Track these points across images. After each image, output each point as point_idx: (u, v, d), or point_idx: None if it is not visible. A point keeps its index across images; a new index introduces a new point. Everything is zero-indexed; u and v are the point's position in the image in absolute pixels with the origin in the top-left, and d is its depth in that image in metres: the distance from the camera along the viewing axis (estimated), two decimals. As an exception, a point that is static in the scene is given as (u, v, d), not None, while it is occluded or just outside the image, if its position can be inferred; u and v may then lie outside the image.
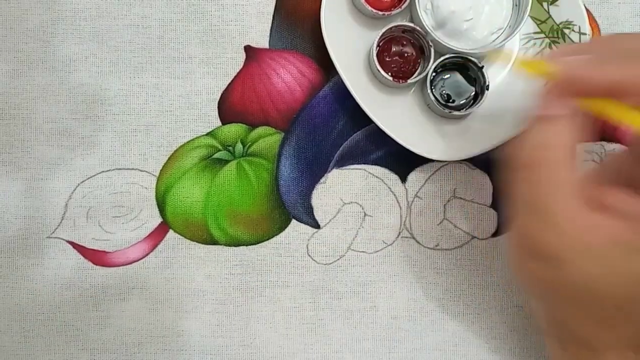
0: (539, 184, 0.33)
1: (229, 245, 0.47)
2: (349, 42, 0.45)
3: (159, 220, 0.47)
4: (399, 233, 0.47)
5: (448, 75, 0.45)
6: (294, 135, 0.47)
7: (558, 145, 0.33)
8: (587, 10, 0.47)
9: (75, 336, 0.46)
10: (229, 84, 0.47)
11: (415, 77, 0.44)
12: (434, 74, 0.44)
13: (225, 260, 0.47)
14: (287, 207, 0.47)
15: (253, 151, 0.47)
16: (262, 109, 0.47)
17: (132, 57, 0.47)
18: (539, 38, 0.45)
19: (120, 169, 0.47)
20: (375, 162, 0.47)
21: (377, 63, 0.44)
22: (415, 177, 0.47)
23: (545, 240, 0.32)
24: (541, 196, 0.33)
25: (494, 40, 0.44)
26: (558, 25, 0.45)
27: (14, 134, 0.46)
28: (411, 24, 0.44)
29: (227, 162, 0.47)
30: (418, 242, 0.47)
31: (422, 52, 0.45)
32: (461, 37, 0.44)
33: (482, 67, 0.44)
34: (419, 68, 0.45)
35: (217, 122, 0.47)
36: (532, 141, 0.33)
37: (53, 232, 0.46)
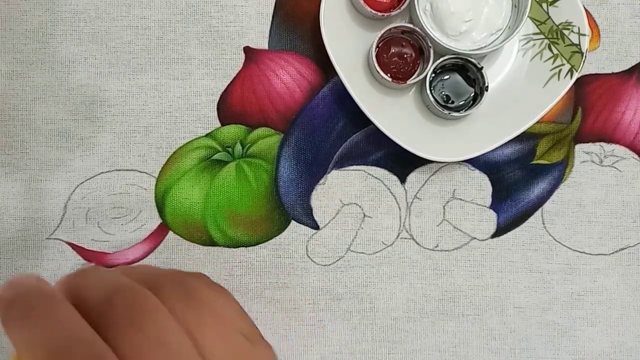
0: None
1: (228, 246, 0.47)
2: (348, 43, 0.45)
3: (159, 221, 0.47)
4: (399, 234, 0.47)
5: (447, 76, 0.45)
6: (293, 137, 0.47)
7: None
8: (587, 11, 0.47)
9: (75, 337, 0.46)
10: (228, 85, 0.47)
11: (415, 78, 0.44)
12: (433, 75, 0.44)
13: (224, 262, 0.47)
14: (287, 208, 0.47)
15: (252, 152, 0.47)
16: (262, 110, 0.47)
17: (131, 58, 0.47)
18: (539, 39, 0.45)
19: (119, 170, 0.47)
20: (374, 163, 0.47)
21: (376, 64, 0.44)
22: (415, 178, 0.47)
23: None
24: None
25: (493, 41, 0.44)
26: (557, 26, 0.45)
27: (13, 135, 0.46)
28: (410, 25, 0.44)
29: (226, 163, 0.47)
30: (417, 243, 0.47)
31: (421, 53, 0.45)
32: (460, 38, 0.44)
33: (482, 68, 0.44)
34: (418, 69, 0.45)
35: (216, 124, 0.47)
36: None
37: (52, 233, 0.46)
